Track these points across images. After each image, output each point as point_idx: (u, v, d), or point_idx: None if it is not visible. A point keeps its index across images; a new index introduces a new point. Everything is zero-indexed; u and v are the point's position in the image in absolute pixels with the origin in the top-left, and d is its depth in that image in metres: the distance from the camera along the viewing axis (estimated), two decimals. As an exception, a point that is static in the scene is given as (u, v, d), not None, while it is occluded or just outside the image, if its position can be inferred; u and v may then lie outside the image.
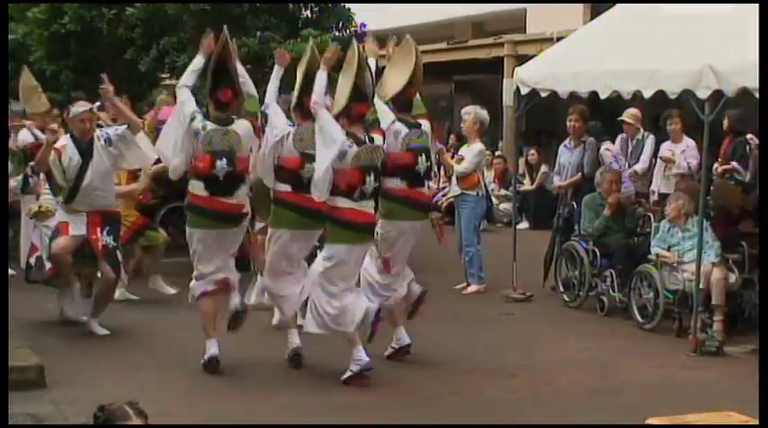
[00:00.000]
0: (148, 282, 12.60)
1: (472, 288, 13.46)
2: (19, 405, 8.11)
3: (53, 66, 17.53)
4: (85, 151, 10.49)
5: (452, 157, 14.33)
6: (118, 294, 11.50)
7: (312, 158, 9.13)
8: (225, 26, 9.47)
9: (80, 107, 10.69)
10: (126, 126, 10.60)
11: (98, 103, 11.16)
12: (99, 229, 10.52)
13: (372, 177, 9.10)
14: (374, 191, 9.22)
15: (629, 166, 13.34)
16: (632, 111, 13.25)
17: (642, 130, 13.45)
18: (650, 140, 13.39)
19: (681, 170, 12.70)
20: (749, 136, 12.84)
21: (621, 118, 13.35)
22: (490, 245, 14.40)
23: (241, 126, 9.38)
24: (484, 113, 13.45)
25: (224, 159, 9.21)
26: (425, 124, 9.74)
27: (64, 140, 10.57)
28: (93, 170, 10.49)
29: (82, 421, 7.21)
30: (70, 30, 16.49)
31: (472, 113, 13.56)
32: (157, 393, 8.73)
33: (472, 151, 13.37)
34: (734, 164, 12.65)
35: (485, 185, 13.57)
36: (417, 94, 9.75)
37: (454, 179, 13.83)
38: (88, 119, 10.65)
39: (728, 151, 12.92)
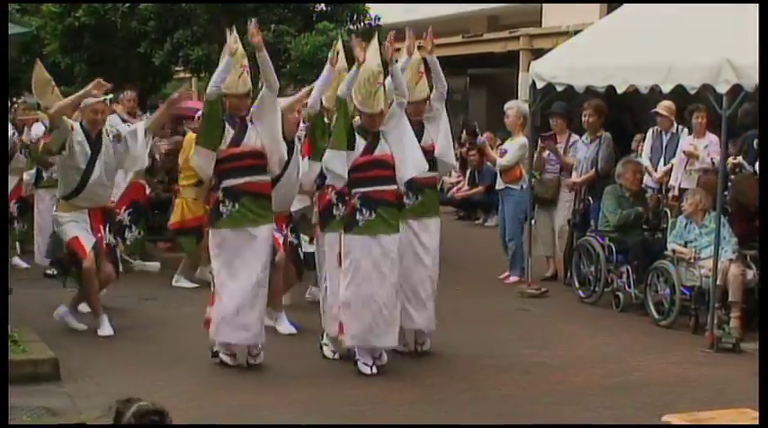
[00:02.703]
0: (196, 272, 12.81)
1: (513, 278, 13.55)
2: (34, 399, 8.16)
3: (67, 59, 17.52)
4: (94, 143, 10.43)
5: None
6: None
7: None
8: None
9: (92, 98, 10.63)
10: (142, 122, 10.65)
11: (111, 96, 11.09)
12: (102, 227, 10.51)
13: None
14: None
15: (666, 161, 13.23)
16: (666, 103, 13.08)
17: (676, 124, 13.34)
18: (685, 134, 13.28)
19: (704, 165, 12.59)
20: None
21: (656, 110, 13.24)
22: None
23: None
24: (525, 107, 13.48)
25: None
26: None
27: (75, 125, 10.52)
28: (102, 164, 10.43)
29: (97, 414, 7.19)
30: (84, 23, 16.49)
31: (515, 108, 13.78)
32: (173, 387, 8.72)
33: (516, 145, 13.50)
34: (739, 158, 12.56)
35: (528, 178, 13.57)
36: None
37: (498, 173, 13.96)
38: (101, 110, 10.56)
39: (738, 146, 12.83)
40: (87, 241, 10.37)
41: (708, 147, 12.70)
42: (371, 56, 9.16)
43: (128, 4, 16.17)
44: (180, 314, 11.34)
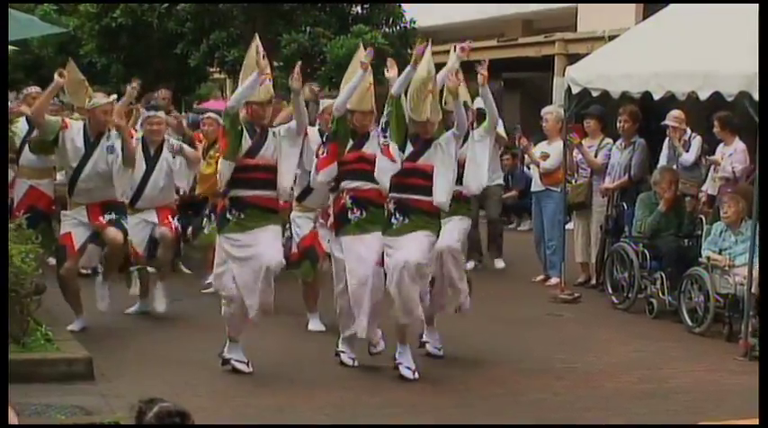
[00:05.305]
0: None
1: (554, 280, 13.55)
2: (68, 397, 8.20)
3: (103, 59, 17.63)
4: (92, 144, 10.49)
5: None
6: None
7: None
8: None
9: (102, 99, 10.67)
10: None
11: (113, 96, 11.09)
12: (100, 216, 10.52)
13: None
14: None
15: (677, 165, 13.22)
16: (675, 113, 13.10)
17: (689, 131, 13.30)
18: (697, 140, 13.25)
19: (725, 174, 12.51)
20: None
21: (665, 122, 13.21)
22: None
23: None
24: (562, 112, 13.49)
25: None
26: None
27: (72, 123, 10.62)
28: (92, 164, 10.47)
29: (129, 414, 7.22)
30: (121, 23, 16.59)
31: (554, 113, 13.90)
32: (203, 388, 8.77)
33: (558, 148, 13.47)
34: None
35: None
36: None
37: (537, 175, 13.99)
38: (109, 110, 10.61)
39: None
40: (79, 238, 10.44)
41: (732, 155, 12.58)
42: (424, 63, 9.13)
43: (165, 5, 16.23)
44: (209, 314, 11.34)
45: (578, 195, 13.69)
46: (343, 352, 9.66)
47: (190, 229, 12.63)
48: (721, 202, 11.62)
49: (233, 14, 15.52)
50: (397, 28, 16.09)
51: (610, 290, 12.77)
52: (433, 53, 9.40)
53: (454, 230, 9.81)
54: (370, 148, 9.40)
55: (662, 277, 11.94)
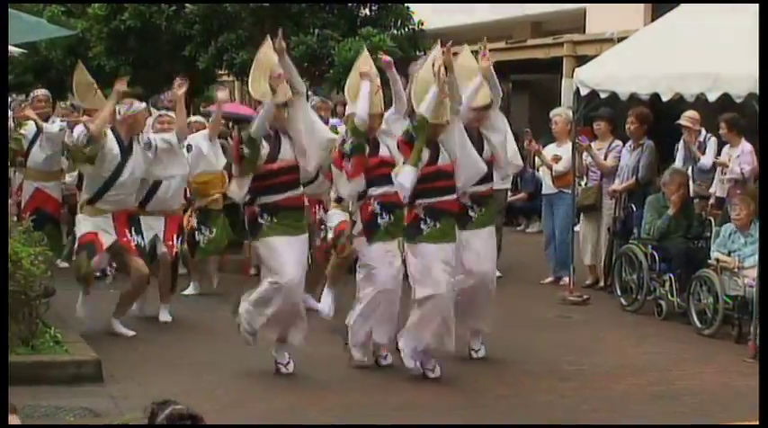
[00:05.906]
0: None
1: (567, 279, 13.52)
2: (77, 399, 8.21)
3: (111, 61, 17.61)
4: (126, 149, 10.51)
5: None
6: None
7: None
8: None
9: (139, 105, 10.72)
10: (173, 132, 10.83)
11: (143, 104, 11.13)
12: (127, 231, 10.56)
13: None
14: None
15: (693, 166, 13.21)
16: (689, 113, 13.08)
17: (704, 132, 13.28)
18: (712, 142, 13.22)
19: (733, 175, 12.49)
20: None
21: (679, 121, 13.19)
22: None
23: None
24: (570, 114, 13.51)
25: None
26: None
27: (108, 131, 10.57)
28: (130, 169, 10.51)
29: (140, 415, 7.23)
30: (130, 26, 16.57)
31: (563, 115, 13.94)
32: (212, 389, 8.77)
33: (569, 150, 13.52)
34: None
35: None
36: None
37: (548, 178, 14.04)
38: (145, 118, 10.78)
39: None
40: (107, 240, 10.46)
41: (739, 156, 12.56)
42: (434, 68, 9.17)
43: (173, 7, 16.22)
44: (218, 316, 11.36)
45: (588, 197, 13.67)
46: (354, 346, 9.69)
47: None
48: (732, 204, 11.60)
49: (241, 17, 15.50)
50: (406, 30, 16.06)
51: (618, 292, 12.76)
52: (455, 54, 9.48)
53: (491, 260, 10.15)
54: (386, 151, 9.51)
55: (671, 279, 11.92)
